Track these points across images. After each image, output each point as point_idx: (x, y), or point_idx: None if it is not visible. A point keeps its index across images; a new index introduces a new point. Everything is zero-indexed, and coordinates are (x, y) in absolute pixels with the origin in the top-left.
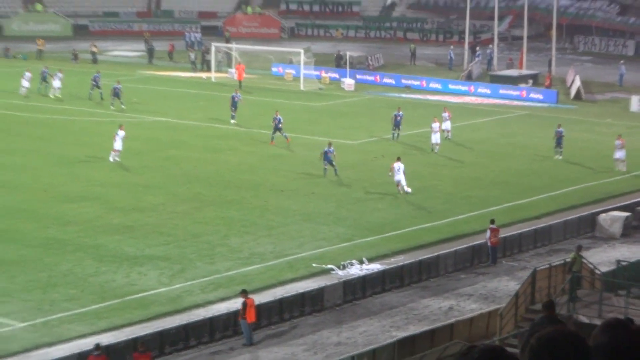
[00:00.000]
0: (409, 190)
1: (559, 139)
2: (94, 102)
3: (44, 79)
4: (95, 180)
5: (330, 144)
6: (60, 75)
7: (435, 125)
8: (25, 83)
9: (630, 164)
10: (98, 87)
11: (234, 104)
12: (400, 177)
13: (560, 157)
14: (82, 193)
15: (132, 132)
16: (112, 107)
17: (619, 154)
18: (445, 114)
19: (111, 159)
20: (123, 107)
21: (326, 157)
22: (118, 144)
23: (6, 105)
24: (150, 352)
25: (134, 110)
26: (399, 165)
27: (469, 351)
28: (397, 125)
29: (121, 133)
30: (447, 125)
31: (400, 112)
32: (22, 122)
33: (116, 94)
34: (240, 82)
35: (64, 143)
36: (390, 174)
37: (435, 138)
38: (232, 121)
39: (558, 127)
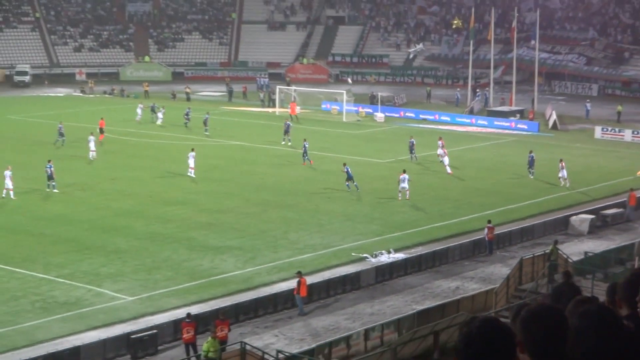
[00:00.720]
0: (408, 197)
1: (530, 162)
2: (188, 130)
3: (153, 111)
4: (188, 189)
5: (344, 164)
6: (163, 110)
7: (440, 150)
8: (140, 111)
9: (597, 178)
10: (188, 119)
11: (286, 130)
12: (405, 185)
13: (532, 176)
14: (178, 199)
15: (215, 152)
16: (206, 134)
17: (562, 173)
18: (440, 142)
19: (189, 174)
20: (207, 133)
21: (348, 176)
22: (191, 162)
23: (124, 132)
24: (228, 319)
25: (217, 135)
26: (404, 176)
27: (471, 321)
28: (411, 148)
29: (192, 154)
30: (440, 151)
31: (412, 139)
32: (135, 145)
33: (205, 122)
34: (292, 115)
35: (165, 161)
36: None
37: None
38: (283, 142)
39: (530, 152)
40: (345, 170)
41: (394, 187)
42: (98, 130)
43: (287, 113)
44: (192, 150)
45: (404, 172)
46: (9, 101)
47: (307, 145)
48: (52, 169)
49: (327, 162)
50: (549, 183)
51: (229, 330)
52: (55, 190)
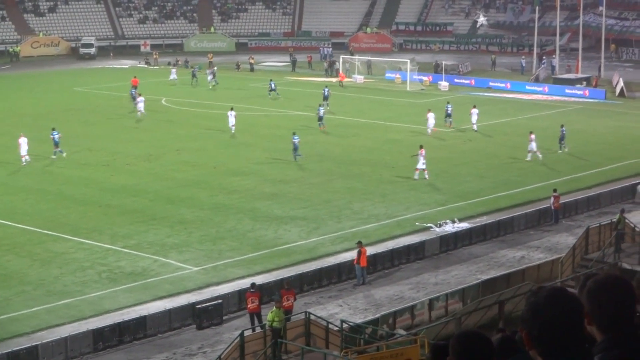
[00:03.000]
0: (426, 176)
1: (562, 136)
2: (256, 99)
3: (194, 75)
4: (252, 159)
5: (294, 134)
6: (214, 69)
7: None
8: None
9: None
10: (274, 90)
11: (326, 97)
12: (421, 165)
13: (565, 150)
14: (243, 169)
15: (280, 122)
16: (274, 95)
17: (531, 146)
18: (474, 110)
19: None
20: (278, 95)
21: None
22: (231, 120)
23: (188, 103)
24: (294, 289)
25: (280, 106)
26: (421, 153)
27: (538, 290)
28: (448, 115)
29: (231, 113)
30: (474, 119)
31: (449, 105)
32: (197, 116)
33: (272, 89)
34: (340, 82)
35: (228, 131)
36: (417, 158)
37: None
38: (321, 109)
39: (561, 126)
40: (293, 140)
41: (458, 157)
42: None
43: (356, 82)
44: (232, 109)
45: (421, 147)
46: (75, 73)
47: (322, 110)
48: (57, 135)
49: (391, 131)
50: (619, 146)
51: (295, 299)
52: (63, 155)
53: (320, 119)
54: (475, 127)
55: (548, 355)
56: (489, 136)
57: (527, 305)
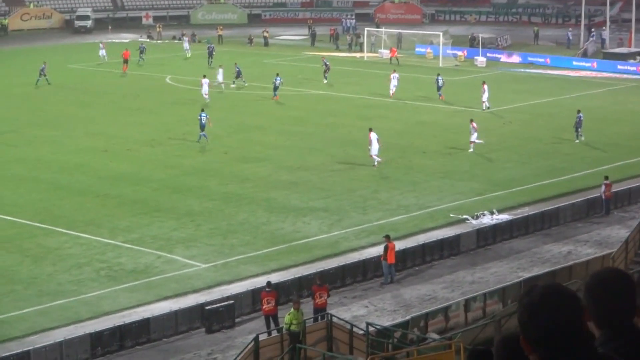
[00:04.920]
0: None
1: (578, 123)
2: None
3: (211, 55)
4: (267, 144)
5: (202, 110)
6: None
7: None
8: (220, 78)
9: None
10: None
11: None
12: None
13: (578, 140)
14: (256, 155)
15: (296, 103)
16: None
17: (473, 137)
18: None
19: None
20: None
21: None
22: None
23: (195, 82)
24: (326, 285)
25: (299, 85)
26: (374, 136)
27: (531, 290)
28: (438, 88)
29: (205, 81)
30: (485, 97)
31: (439, 77)
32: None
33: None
34: (392, 58)
35: (240, 113)
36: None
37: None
38: (325, 82)
39: (578, 112)
40: (199, 117)
41: (496, 141)
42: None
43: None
44: (204, 77)
45: (472, 120)
46: (70, 49)
47: (279, 80)
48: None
49: (422, 112)
50: None
51: (328, 295)
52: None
53: (275, 88)
54: (485, 105)
55: (550, 358)
56: (534, 117)
57: (521, 306)
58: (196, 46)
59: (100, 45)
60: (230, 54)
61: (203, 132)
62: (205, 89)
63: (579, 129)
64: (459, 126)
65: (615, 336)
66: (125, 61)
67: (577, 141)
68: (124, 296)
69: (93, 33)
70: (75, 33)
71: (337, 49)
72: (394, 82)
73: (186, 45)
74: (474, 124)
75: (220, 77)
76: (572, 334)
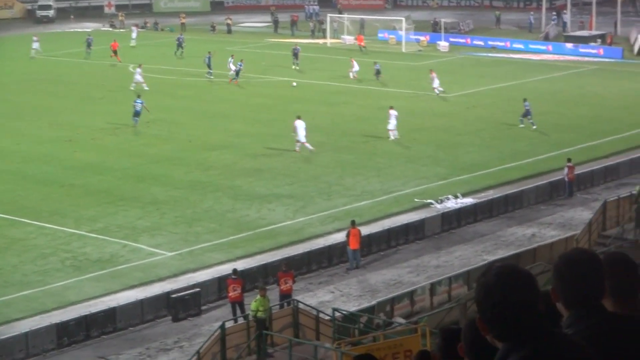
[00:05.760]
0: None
1: (526, 112)
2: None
3: (180, 46)
4: (231, 131)
5: (139, 96)
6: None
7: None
8: (232, 67)
9: None
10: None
11: (296, 54)
12: (393, 123)
13: (534, 128)
14: (221, 142)
15: (261, 90)
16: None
17: (392, 124)
18: (432, 74)
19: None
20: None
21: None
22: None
23: (159, 70)
24: (292, 271)
25: (263, 72)
26: (393, 113)
27: (488, 270)
28: (376, 74)
29: (139, 70)
30: (435, 83)
31: (377, 65)
32: (172, 84)
33: (295, 54)
34: (360, 46)
35: (205, 100)
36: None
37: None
38: (293, 67)
39: (524, 100)
40: (135, 103)
41: (460, 125)
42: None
43: (345, 44)
44: (139, 66)
45: (392, 108)
46: (31, 38)
47: (240, 65)
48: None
49: (385, 98)
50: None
51: (294, 281)
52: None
53: (237, 73)
54: (437, 90)
55: (504, 338)
56: (495, 102)
57: (478, 285)
58: (159, 34)
59: (34, 38)
60: (193, 42)
61: (136, 118)
62: (138, 77)
63: (528, 117)
64: (423, 111)
65: (583, 317)
66: (115, 52)
67: (533, 127)
68: (89, 286)
69: (55, 22)
70: (38, 23)
71: (293, 35)
72: (355, 67)
73: (133, 34)
74: (393, 111)
75: (231, 66)
76: (526, 313)
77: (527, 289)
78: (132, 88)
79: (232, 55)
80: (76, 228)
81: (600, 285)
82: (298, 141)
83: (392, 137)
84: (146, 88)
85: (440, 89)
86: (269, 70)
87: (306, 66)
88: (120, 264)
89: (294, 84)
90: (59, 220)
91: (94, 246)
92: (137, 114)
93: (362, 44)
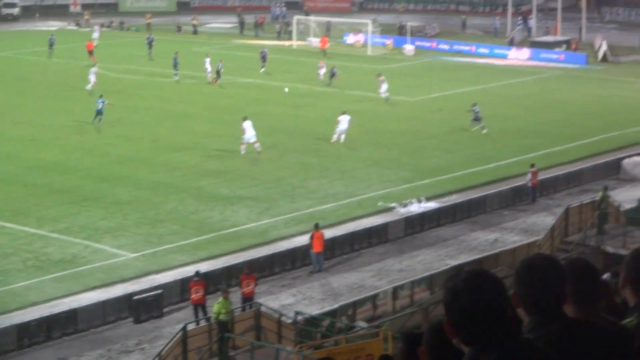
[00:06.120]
0: (342, 140)
1: (476, 117)
2: (189, 69)
3: (150, 46)
4: (196, 132)
5: (101, 96)
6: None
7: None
8: (209, 68)
9: None
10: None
11: (264, 57)
12: (344, 127)
13: (484, 132)
14: (185, 144)
15: (226, 91)
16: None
17: (339, 127)
18: (380, 78)
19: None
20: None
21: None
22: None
23: (125, 70)
24: (254, 274)
25: (229, 73)
26: (345, 118)
27: (456, 274)
28: (332, 76)
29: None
30: (383, 88)
31: (335, 69)
32: (137, 84)
33: (264, 57)
34: (322, 50)
35: (170, 101)
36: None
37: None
38: (261, 71)
39: (473, 105)
40: (97, 102)
41: (425, 129)
42: (88, 52)
43: (310, 47)
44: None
45: (344, 113)
46: None
47: (220, 65)
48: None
49: (350, 101)
50: (603, 116)
51: (256, 284)
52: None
53: (217, 73)
54: (385, 96)
55: (471, 342)
56: (460, 106)
57: (446, 289)
58: (124, 34)
59: (96, 28)
60: (159, 42)
61: (97, 117)
62: (92, 77)
63: (478, 122)
64: (387, 114)
65: (544, 323)
66: (90, 52)
67: (484, 131)
68: (51, 286)
69: (20, 20)
70: (2, 21)
71: (257, 37)
72: (322, 70)
73: (95, 34)
74: (346, 117)
75: (208, 66)
76: (494, 317)
77: (496, 293)
78: (87, 88)
79: (207, 55)
80: (38, 228)
81: (562, 291)
82: (243, 143)
83: (334, 139)
84: (88, 88)
85: (387, 94)
86: (235, 71)
87: (272, 68)
88: (83, 264)
89: (286, 89)
90: (21, 219)
91: (56, 246)
92: (98, 112)
93: (325, 46)
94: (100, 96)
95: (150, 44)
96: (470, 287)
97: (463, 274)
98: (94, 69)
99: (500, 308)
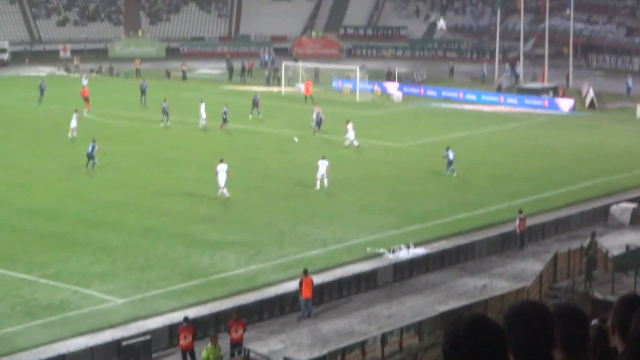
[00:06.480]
0: (326, 184)
1: (449, 162)
2: (185, 115)
3: (144, 93)
4: (185, 178)
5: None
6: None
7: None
8: (203, 114)
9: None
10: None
11: (255, 103)
12: (323, 171)
13: (454, 175)
14: (174, 189)
15: (215, 137)
16: (250, 117)
17: (320, 172)
18: (349, 126)
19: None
20: (260, 116)
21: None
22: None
23: (114, 115)
24: (243, 319)
25: (218, 118)
26: (323, 162)
27: (457, 320)
28: (318, 123)
29: (75, 115)
30: (351, 135)
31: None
32: (127, 130)
33: (255, 103)
34: (307, 96)
35: (159, 146)
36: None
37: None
38: (250, 116)
39: (447, 149)
40: (90, 144)
41: (412, 174)
42: (83, 100)
43: (300, 92)
44: (76, 111)
45: (323, 157)
46: None
47: (224, 110)
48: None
49: (338, 147)
50: (590, 163)
51: (245, 330)
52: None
53: (224, 118)
54: (351, 142)
55: None
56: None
57: (446, 335)
58: (114, 80)
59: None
60: (149, 88)
61: (90, 162)
62: (73, 123)
63: (451, 167)
64: (375, 160)
65: None
66: (86, 99)
67: (454, 174)
68: (39, 332)
69: (10, 66)
70: None
71: (243, 83)
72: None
73: (84, 81)
74: (325, 162)
75: (202, 112)
76: None
77: (496, 339)
78: (69, 136)
79: (201, 101)
80: (27, 273)
81: (550, 337)
82: (219, 187)
83: (317, 186)
84: (70, 135)
85: (356, 143)
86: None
87: (262, 114)
88: (71, 310)
89: (296, 139)
90: (10, 265)
91: (45, 292)
92: (89, 157)
93: (309, 92)
94: (93, 140)
95: (143, 90)
96: (471, 332)
97: (464, 320)
98: (76, 114)
99: (501, 354)
